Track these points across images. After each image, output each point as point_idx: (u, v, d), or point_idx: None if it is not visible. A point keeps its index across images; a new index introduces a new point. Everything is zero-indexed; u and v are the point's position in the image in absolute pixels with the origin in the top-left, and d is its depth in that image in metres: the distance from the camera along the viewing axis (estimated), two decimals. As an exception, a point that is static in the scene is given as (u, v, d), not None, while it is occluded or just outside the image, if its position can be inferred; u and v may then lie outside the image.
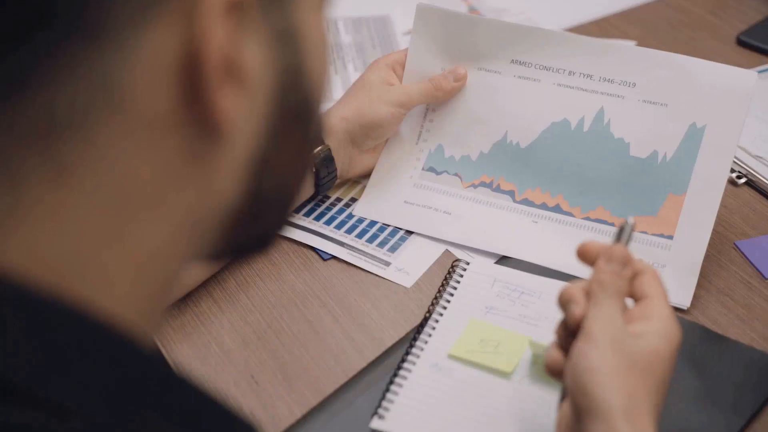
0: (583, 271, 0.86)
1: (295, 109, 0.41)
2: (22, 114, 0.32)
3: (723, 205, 0.87)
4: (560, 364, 0.63)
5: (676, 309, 0.84)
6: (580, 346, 0.60)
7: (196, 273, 0.85)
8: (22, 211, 0.33)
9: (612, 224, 0.89)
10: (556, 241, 0.90)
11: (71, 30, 0.32)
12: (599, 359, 0.59)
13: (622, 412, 0.57)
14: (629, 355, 0.59)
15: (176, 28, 0.34)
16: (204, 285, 0.87)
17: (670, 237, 0.87)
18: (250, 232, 0.44)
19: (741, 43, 1.22)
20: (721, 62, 0.89)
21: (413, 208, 0.95)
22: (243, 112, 0.37)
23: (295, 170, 0.45)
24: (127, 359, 0.36)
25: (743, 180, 0.98)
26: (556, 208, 0.92)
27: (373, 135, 0.94)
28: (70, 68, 0.32)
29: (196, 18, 0.34)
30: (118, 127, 0.34)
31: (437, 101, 0.97)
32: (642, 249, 0.87)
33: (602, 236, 0.89)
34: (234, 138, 0.38)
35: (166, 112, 0.35)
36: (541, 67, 0.94)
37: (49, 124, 0.33)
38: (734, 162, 0.99)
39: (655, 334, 0.61)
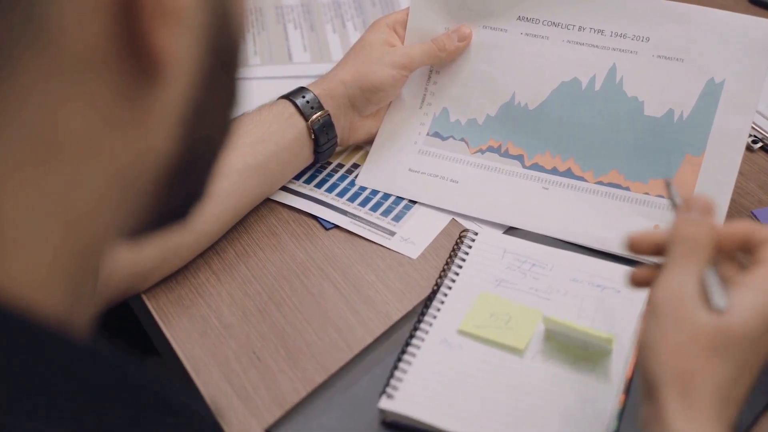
0: (597, 242, 0.84)
1: (226, 54, 0.38)
2: None
3: (739, 171, 0.84)
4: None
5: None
6: (644, 315, 0.54)
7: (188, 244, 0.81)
8: None
9: (627, 188, 0.86)
10: (568, 210, 0.86)
11: None
12: (658, 334, 0.52)
13: (675, 395, 0.50)
14: (696, 330, 0.51)
15: None
16: (201, 255, 0.84)
17: None
18: (175, 197, 0.40)
19: (754, 2, 1.18)
20: (735, 20, 0.85)
21: (418, 177, 0.91)
22: (179, 52, 0.33)
23: (224, 124, 0.41)
24: (48, 352, 0.31)
25: (759, 145, 0.95)
26: (568, 173, 0.88)
27: (374, 99, 0.90)
28: None
29: None
30: (42, 67, 0.30)
31: (441, 62, 0.93)
32: (657, 214, 0.84)
33: (617, 201, 0.86)
34: (169, 81, 0.34)
35: (96, 50, 0.31)
36: (549, 24, 0.90)
37: None
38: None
39: (746, 308, 0.51)
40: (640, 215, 0.85)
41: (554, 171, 0.88)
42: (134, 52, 0.32)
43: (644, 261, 0.82)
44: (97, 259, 0.36)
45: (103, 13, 0.31)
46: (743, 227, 0.57)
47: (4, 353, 0.30)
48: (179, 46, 0.33)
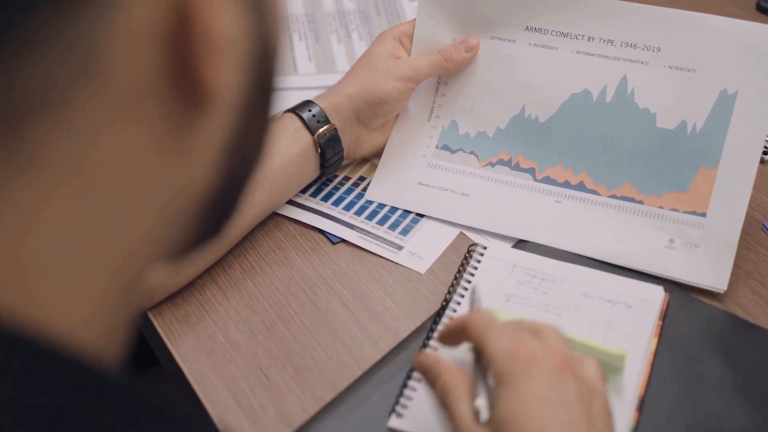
0: (611, 256, 0.83)
1: (265, 78, 0.37)
2: None
3: (752, 183, 0.83)
4: None
5: (712, 293, 0.80)
6: None
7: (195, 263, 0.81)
8: None
9: (641, 202, 0.85)
10: (580, 224, 0.85)
11: None
12: None
13: None
14: None
15: None
16: (208, 271, 0.83)
17: (703, 215, 0.83)
18: (212, 219, 0.40)
19: (761, 9, 1.17)
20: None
21: (428, 191, 0.90)
22: (225, 81, 0.33)
23: (260, 146, 0.40)
24: (87, 395, 0.30)
25: (770, 156, 0.94)
26: (580, 186, 0.87)
27: (379, 112, 0.89)
28: (42, 38, 0.28)
29: None
30: (91, 100, 0.29)
31: (448, 73, 0.92)
32: (671, 228, 0.83)
33: (630, 215, 0.84)
34: (215, 110, 0.34)
35: (144, 82, 0.31)
36: (558, 34, 0.89)
37: (15, 109, 0.28)
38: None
39: (500, 404, 0.58)
40: (654, 229, 0.84)
41: (566, 184, 0.87)
42: (182, 83, 0.32)
43: (655, 274, 0.81)
44: (137, 290, 0.35)
45: (152, 44, 0.30)
46: (451, 326, 0.64)
47: (43, 392, 0.29)
48: (226, 75, 0.33)
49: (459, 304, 0.78)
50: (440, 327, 0.76)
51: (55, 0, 0.28)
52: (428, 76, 0.91)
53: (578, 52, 0.89)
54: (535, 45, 0.90)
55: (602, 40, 0.88)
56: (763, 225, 0.86)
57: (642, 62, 0.86)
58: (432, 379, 0.62)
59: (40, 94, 0.28)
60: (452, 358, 0.68)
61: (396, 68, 0.88)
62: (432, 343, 0.75)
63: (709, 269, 0.80)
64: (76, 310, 0.31)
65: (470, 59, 0.91)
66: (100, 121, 0.30)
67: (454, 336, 0.65)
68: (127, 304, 0.35)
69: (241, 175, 0.40)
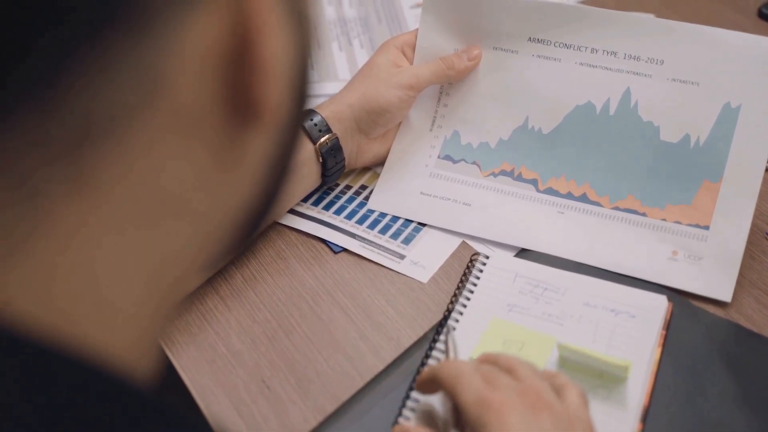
0: (614, 265, 0.82)
1: (301, 94, 0.37)
2: (49, 124, 0.28)
3: (756, 194, 0.83)
4: None
5: (716, 301, 0.80)
6: None
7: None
8: (41, 235, 0.29)
9: (644, 214, 0.84)
10: (583, 234, 0.85)
11: (109, 20, 0.28)
12: None
13: None
14: None
15: (220, 12, 0.30)
16: (209, 281, 0.83)
17: (706, 227, 0.82)
18: (248, 231, 0.40)
19: (762, 15, 1.17)
20: (742, 38, 0.84)
21: (430, 200, 0.90)
22: (276, 101, 0.33)
23: (293, 156, 0.41)
24: (124, 408, 0.31)
25: (774, 165, 0.94)
26: (583, 198, 0.87)
27: (380, 121, 0.89)
28: (108, 62, 0.28)
29: (242, 2, 0.31)
30: (155, 127, 0.30)
31: (449, 81, 0.92)
32: (674, 240, 0.83)
33: (634, 227, 0.84)
34: (263, 129, 0.34)
35: (200, 104, 0.31)
36: (561, 45, 0.89)
37: (82, 132, 0.28)
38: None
39: None
40: (657, 241, 0.83)
41: (569, 196, 0.87)
42: (235, 101, 0.32)
43: (659, 284, 0.81)
44: (175, 304, 0.35)
45: (211, 67, 0.31)
46: (424, 376, 0.67)
47: (80, 407, 0.29)
48: (277, 94, 0.33)
49: (461, 314, 0.78)
50: (442, 337, 0.76)
51: (122, 27, 0.28)
52: (430, 84, 0.90)
53: (582, 64, 0.88)
54: (538, 56, 0.90)
55: (606, 52, 0.88)
56: (767, 234, 0.86)
57: (645, 75, 0.86)
58: None
59: (103, 116, 0.28)
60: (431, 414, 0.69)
61: (397, 77, 0.88)
62: (435, 353, 0.75)
63: (713, 281, 0.80)
64: (116, 326, 0.32)
65: (472, 68, 0.91)
66: (159, 140, 0.30)
67: (429, 385, 0.67)
68: (165, 318, 0.35)
69: (275, 186, 0.40)
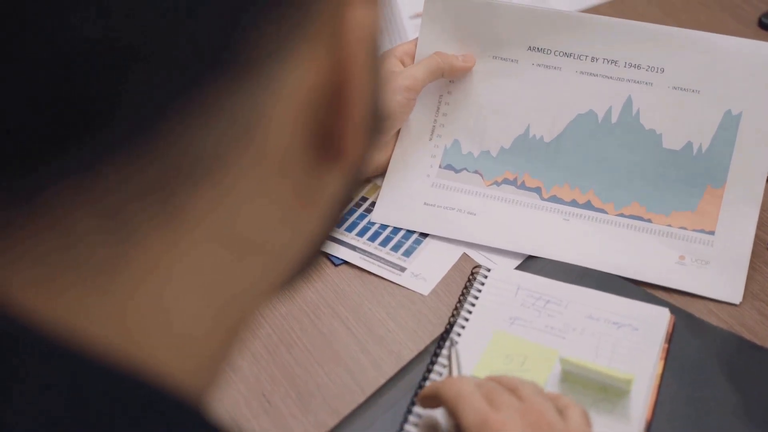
0: (620, 269, 0.82)
1: (375, 134, 0.38)
2: (147, 162, 0.28)
3: (759, 202, 0.83)
4: None
5: (717, 314, 0.80)
6: None
7: None
8: (126, 266, 0.29)
9: (649, 220, 0.85)
10: (590, 239, 0.85)
11: (215, 69, 0.28)
12: None
13: None
14: None
15: (318, 60, 0.31)
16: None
17: (712, 233, 0.83)
18: (310, 263, 0.40)
19: (762, 25, 1.17)
20: (743, 47, 0.84)
21: (435, 210, 0.89)
22: (361, 143, 0.34)
23: (357, 191, 0.42)
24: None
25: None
26: (588, 205, 0.87)
27: (381, 129, 0.88)
28: (206, 108, 0.29)
29: (341, 50, 0.31)
30: (244, 168, 0.31)
31: (444, 76, 0.90)
32: (680, 245, 0.83)
33: (639, 233, 0.85)
34: (345, 167, 0.35)
35: (294, 151, 0.32)
36: (561, 54, 0.89)
37: (176, 170, 0.29)
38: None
39: None
40: (664, 246, 0.84)
41: (574, 203, 0.87)
42: (324, 143, 0.33)
43: (668, 287, 0.81)
44: (241, 336, 0.36)
45: (306, 111, 0.32)
46: (427, 392, 0.68)
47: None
48: (360, 138, 0.34)
49: (463, 327, 0.78)
50: (444, 351, 0.76)
51: (226, 74, 0.29)
52: (427, 81, 0.89)
53: (582, 73, 0.88)
54: (538, 65, 0.90)
55: (606, 61, 0.88)
56: (768, 244, 0.86)
57: (646, 83, 0.86)
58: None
59: (198, 156, 0.29)
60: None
61: (394, 82, 0.88)
62: (437, 367, 0.74)
63: (723, 283, 0.81)
64: (183, 354, 0.32)
65: (466, 69, 0.90)
66: (247, 178, 0.31)
67: (431, 400, 0.68)
68: (231, 350, 0.35)
69: (337, 222, 0.41)
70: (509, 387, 0.64)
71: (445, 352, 0.75)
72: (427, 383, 0.73)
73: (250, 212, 0.32)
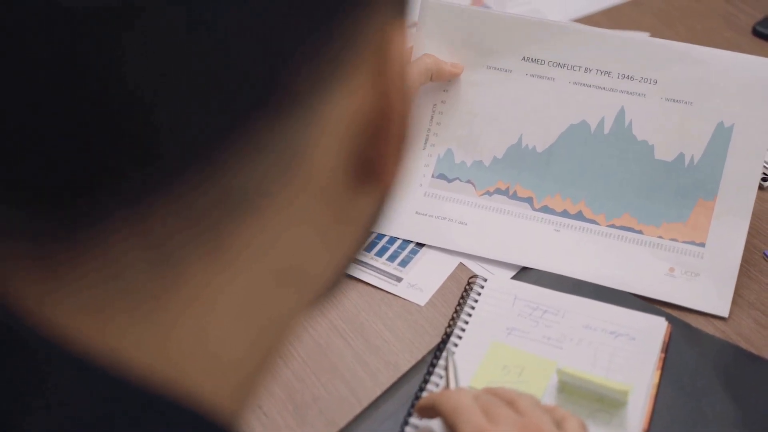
0: (612, 281, 0.82)
1: (406, 161, 0.39)
2: (194, 196, 0.29)
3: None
4: None
5: (714, 323, 0.80)
6: None
7: None
8: (169, 295, 0.30)
9: (640, 231, 0.85)
10: (581, 250, 0.85)
11: (262, 106, 0.29)
12: None
13: None
14: None
15: (364, 88, 0.32)
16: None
17: (702, 245, 0.83)
18: (338, 284, 0.41)
19: (757, 33, 1.17)
20: (738, 56, 0.85)
21: (426, 220, 0.90)
22: (398, 169, 0.35)
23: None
24: None
25: (769, 183, 0.94)
26: (579, 216, 0.87)
27: None
28: (255, 142, 0.29)
29: (385, 78, 0.32)
30: (289, 196, 0.31)
31: (433, 77, 0.90)
32: (671, 257, 0.83)
33: (630, 244, 0.85)
34: (381, 191, 0.35)
35: (335, 179, 0.33)
36: (554, 64, 0.89)
37: (221, 203, 0.29)
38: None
39: None
40: (654, 257, 0.84)
41: (565, 213, 0.87)
42: (361, 173, 0.33)
43: (657, 299, 0.81)
44: (274, 360, 0.36)
45: (347, 140, 0.32)
46: (424, 403, 0.67)
47: None
48: (398, 164, 0.34)
49: (460, 338, 0.77)
50: (441, 361, 0.75)
51: (272, 111, 0.29)
52: (418, 84, 0.89)
53: (575, 83, 0.88)
54: (532, 75, 0.90)
55: (599, 72, 0.88)
56: (764, 253, 0.86)
57: (639, 94, 0.86)
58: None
59: (243, 189, 0.30)
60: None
61: None
62: (434, 378, 0.74)
63: (711, 296, 0.81)
64: (219, 379, 0.32)
65: (453, 75, 0.90)
66: (290, 207, 0.31)
67: (428, 411, 0.67)
68: (266, 373, 0.36)
69: (366, 243, 0.42)
70: (507, 399, 0.64)
71: (442, 362, 0.75)
72: (424, 394, 0.73)
73: (291, 239, 0.32)
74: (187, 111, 0.27)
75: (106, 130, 0.27)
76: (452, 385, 0.71)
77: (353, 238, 0.36)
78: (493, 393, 0.66)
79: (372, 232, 0.39)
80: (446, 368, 0.72)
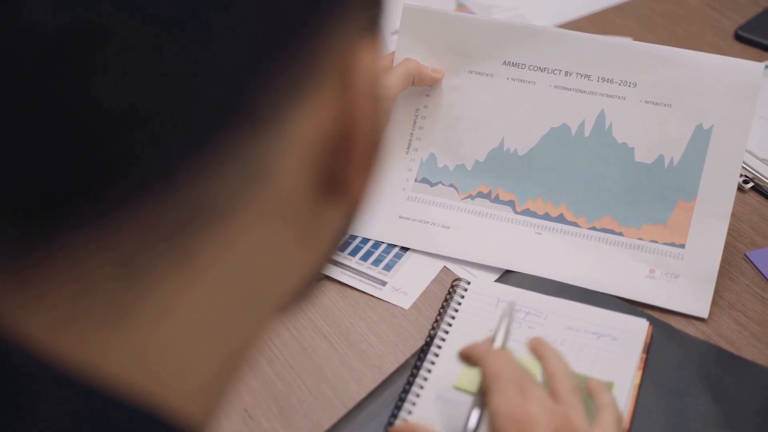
0: (593, 283, 0.83)
1: (377, 170, 0.40)
2: (161, 212, 0.30)
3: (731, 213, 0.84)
4: None
5: (695, 324, 0.80)
6: None
7: None
8: (140, 309, 0.31)
9: (620, 233, 0.85)
10: (562, 253, 0.86)
11: (226, 125, 0.29)
12: None
13: None
14: None
15: (328, 105, 0.32)
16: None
17: (682, 246, 0.84)
18: (306, 293, 0.42)
19: (739, 38, 1.19)
20: (721, 60, 0.86)
21: (409, 224, 0.90)
22: (364, 182, 0.35)
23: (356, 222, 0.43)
24: None
25: (750, 185, 0.95)
26: (560, 218, 0.88)
27: None
28: (221, 158, 0.30)
29: (349, 94, 0.33)
30: (253, 213, 0.32)
31: (413, 82, 0.91)
32: (651, 258, 0.84)
33: (610, 246, 0.86)
34: (347, 205, 0.36)
35: (300, 193, 0.33)
36: (535, 68, 0.90)
37: (188, 219, 0.30)
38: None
39: None
40: (634, 259, 0.84)
41: (546, 216, 0.88)
42: (327, 183, 0.34)
43: (637, 301, 0.81)
44: (243, 367, 0.37)
45: (312, 155, 0.32)
46: (471, 351, 0.67)
47: None
48: (364, 178, 0.35)
49: (444, 340, 0.78)
50: (427, 364, 0.76)
51: (237, 129, 0.30)
52: (400, 88, 0.90)
53: (556, 87, 0.89)
54: (513, 79, 0.91)
55: (579, 75, 0.89)
56: (745, 255, 0.87)
57: (619, 97, 0.87)
58: None
59: (210, 204, 0.30)
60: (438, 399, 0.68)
61: None
62: (418, 380, 0.75)
63: (690, 297, 0.82)
64: (192, 387, 0.33)
65: (434, 80, 0.91)
66: (256, 223, 0.32)
67: (470, 360, 0.67)
68: (233, 380, 0.36)
69: (335, 253, 0.42)
70: (549, 373, 0.65)
71: (426, 365, 0.76)
72: (408, 396, 0.73)
73: (259, 253, 0.33)
74: (155, 129, 0.28)
75: (74, 146, 0.27)
76: (498, 342, 0.68)
77: (320, 251, 0.37)
78: (541, 353, 0.66)
79: (339, 244, 0.40)
80: (500, 322, 0.69)
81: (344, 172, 0.34)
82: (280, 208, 0.33)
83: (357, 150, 0.33)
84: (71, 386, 0.30)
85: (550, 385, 0.64)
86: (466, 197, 0.91)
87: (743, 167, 0.95)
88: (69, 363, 0.30)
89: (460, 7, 1.25)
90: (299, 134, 0.32)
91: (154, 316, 0.31)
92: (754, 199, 0.94)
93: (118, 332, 0.30)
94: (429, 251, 0.88)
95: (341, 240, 0.40)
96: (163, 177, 0.29)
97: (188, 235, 0.30)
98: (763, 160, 0.96)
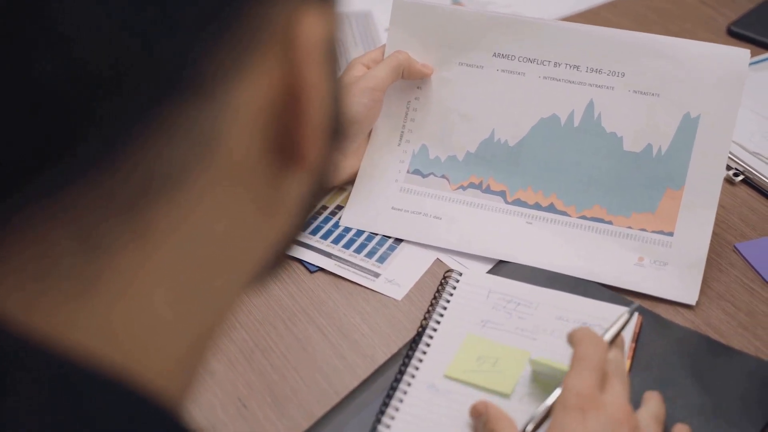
0: (583, 273, 0.84)
1: (335, 138, 0.40)
2: (113, 183, 0.30)
3: (720, 205, 0.85)
4: None
5: (684, 314, 0.81)
6: None
7: None
8: (102, 281, 0.31)
9: (610, 222, 0.86)
10: (552, 243, 0.87)
11: (171, 92, 0.30)
12: None
13: None
14: None
15: (272, 72, 0.33)
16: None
17: (671, 234, 0.85)
18: (277, 264, 0.42)
19: (732, 33, 1.19)
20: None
21: (402, 215, 0.91)
22: (319, 148, 0.36)
23: (325, 194, 0.43)
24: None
25: (740, 178, 0.96)
26: (550, 208, 0.89)
27: (350, 133, 0.90)
28: (167, 128, 0.30)
29: (293, 61, 0.33)
30: (206, 182, 0.32)
31: (404, 77, 0.92)
32: (640, 247, 0.85)
33: (600, 235, 0.87)
34: (305, 172, 0.36)
35: (253, 160, 0.34)
36: (525, 60, 0.91)
37: (142, 189, 0.31)
38: (731, 159, 0.96)
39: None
40: (623, 248, 0.85)
41: (537, 206, 0.89)
42: (282, 150, 0.34)
43: (626, 289, 0.82)
44: (215, 338, 0.37)
45: (261, 121, 0.33)
46: (578, 333, 0.68)
47: None
48: (320, 142, 0.35)
49: (435, 330, 0.79)
50: (418, 353, 0.77)
51: (182, 95, 0.30)
52: (390, 80, 0.91)
53: (545, 78, 0.90)
54: (503, 71, 0.92)
55: (568, 66, 0.90)
56: (735, 246, 0.87)
57: (607, 87, 0.88)
58: (482, 424, 0.68)
59: (162, 174, 0.31)
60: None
61: (357, 85, 0.89)
62: (409, 370, 0.76)
63: (679, 285, 0.83)
64: (163, 360, 0.34)
65: (424, 74, 0.92)
66: (210, 192, 0.33)
67: (571, 340, 0.69)
68: (206, 355, 0.37)
69: (304, 223, 0.42)
70: (623, 381, 0.66)
71: (417, 354, 0.77)
72: (400, 384, 0.74)
73: (218, 222, 0.34)
74: (101, 102, 0.29)
75: (21, 121, 0.28)
76: (608, 335, 0.70)
77: (285, 219, 0.37)
78: (613, 367, 0.67)
79: (306, 217, 0.40)
80: (618, 319, 0.72)
81: (297, 137, 0.34)
82: (234, 175, 0.33)
83: (308, 115, 0.34)
84: (41, 359, 0.30)
85: (604, 383, 0.65)
86: (458, 188, 0.92)
87: (734, 160, 0.96)
88: (39, 337, 0.30)
89: (455, 2, 1.25)
90: (245, 101, 0.32)
91: (117, 288, 0.31)
92: (744, 191, 0.95)
93: (83, 306, 0.31)
94: (422, 242, 0.89)
95: (309, 210, 0.40)
96: (111, 148, 0.29)
97: (144, 206, 0.31)
98: (753, 153, 0.97)
